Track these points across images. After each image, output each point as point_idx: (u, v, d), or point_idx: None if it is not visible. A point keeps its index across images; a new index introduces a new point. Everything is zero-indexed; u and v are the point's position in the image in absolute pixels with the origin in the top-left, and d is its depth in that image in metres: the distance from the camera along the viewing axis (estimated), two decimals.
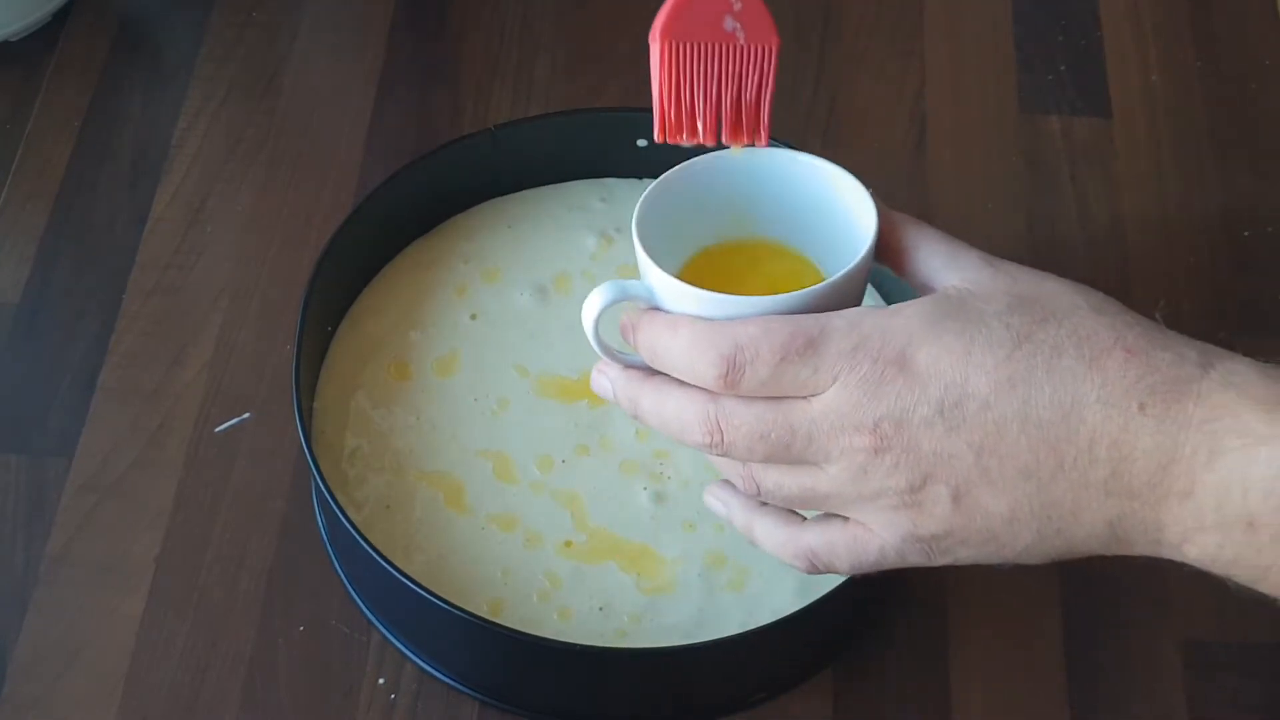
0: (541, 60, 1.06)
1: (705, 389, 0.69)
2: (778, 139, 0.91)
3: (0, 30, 1.03)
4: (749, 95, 0.71)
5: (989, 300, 0.67)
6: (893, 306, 0.68)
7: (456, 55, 1.06)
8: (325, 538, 0.86)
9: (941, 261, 0.70)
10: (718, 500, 0.74)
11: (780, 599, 0.80)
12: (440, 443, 0.85)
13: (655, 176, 0.94)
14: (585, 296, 0.90)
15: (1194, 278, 0.98)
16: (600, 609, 0.81)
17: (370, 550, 0.77)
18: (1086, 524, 0.66)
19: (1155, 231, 0.99)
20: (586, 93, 1.04)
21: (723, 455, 0.70)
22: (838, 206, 0.73)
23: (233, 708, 0.81)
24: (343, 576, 0.85)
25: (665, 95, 0.71)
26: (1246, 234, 0.99)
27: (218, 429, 0.90)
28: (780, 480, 0.69)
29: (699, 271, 0.73)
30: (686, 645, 0.78)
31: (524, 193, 0.94)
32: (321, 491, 0.81)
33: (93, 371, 0.92)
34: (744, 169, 0.74)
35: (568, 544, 0.82)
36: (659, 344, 0.70)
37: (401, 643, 0.83)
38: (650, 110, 0.93)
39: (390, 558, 0.77)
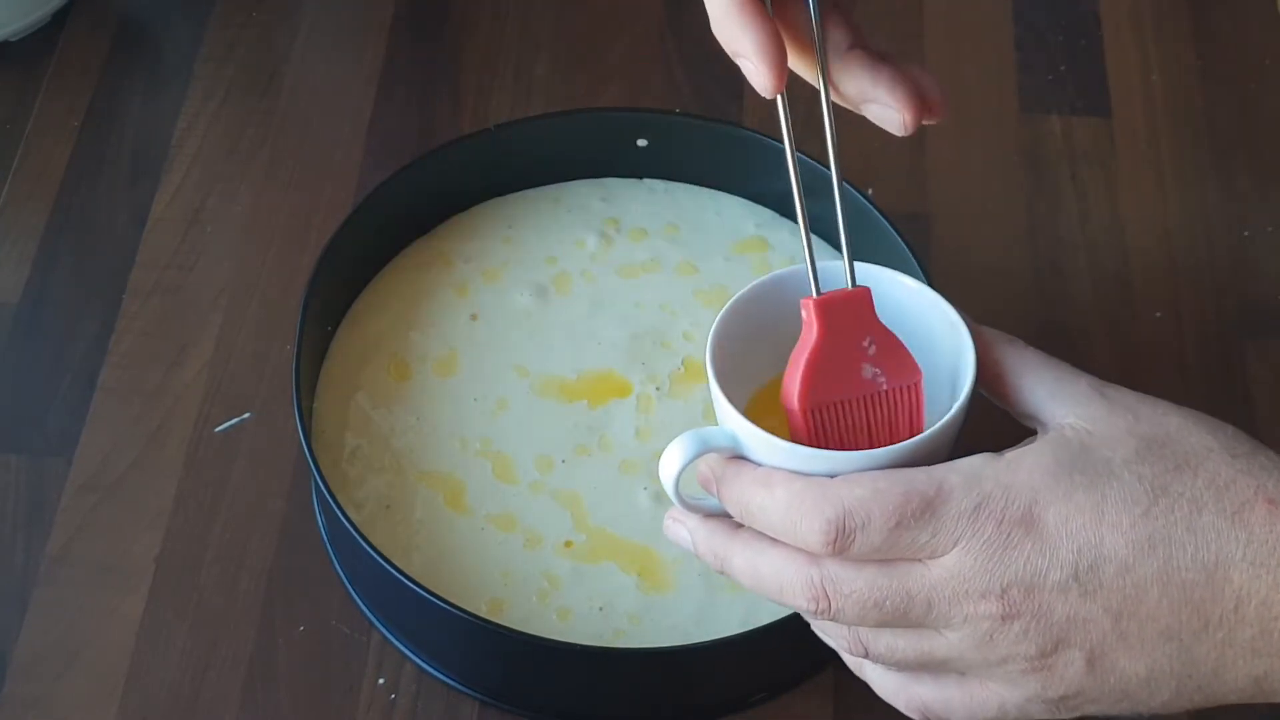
0: (541, 60, 1.06)
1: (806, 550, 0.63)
2: (781, 142, 0.91)
3: (0, 30, 1.03)
4: (899, 435, 0.65)
5: (1114, 445, 0.62)
6: (1009, 456, 0.62)
7: (456, 55, 1.06)
8: (325, 538, 0.86)
9: (1048, 391, 0.64)
10: (823, 635, 0.67)
11: None
12: (440, 443, 0.85)
13: (655, 176, 0.95)
14: (585, 296, 0.91)
15: (1194, 278, 0.98)
16: (600, 609, 0.81)
17: (370, 550, 0.77)
18: (1230, 681, 0.62)
19: (1155, 231, 1.00)
20: (586, 93, 1.04)
21: (829, 621, 0.64)
22: (923, 326, 0.67)
23: (233, 708, 0.81)
24: (343, 576, 0.85)
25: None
26: (1246, 234, 0.99)
27: (218, 429, 0.90)
28: (893, 644, 0.64)
29: (774, 400, 0.67)
30: (686, 645, 0.78)
31: (524, 193, 0.94)
32: (321, 491, 0.81)
33: (93, 371, 0.92)
34: (823, 286, 0.67)
35: (568, 544, 0.83)
36: (751, 503, 0.64)
37: (401, 643, 0.83)
38: (650, 112, 0.93)
39: (390, 558, 0.77)
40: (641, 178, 0.95)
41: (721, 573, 0.66)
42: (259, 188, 1.00)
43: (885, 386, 0.65)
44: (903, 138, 1.04)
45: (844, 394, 0.64)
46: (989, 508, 0.61)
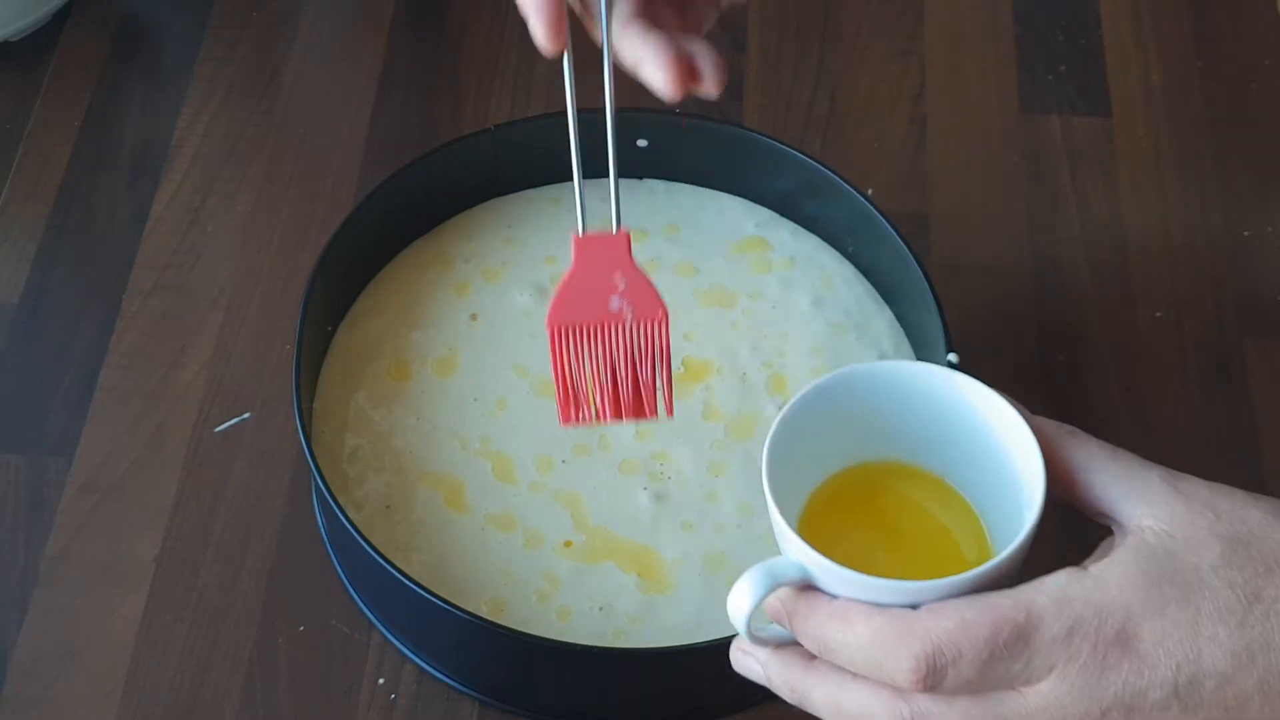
0: (541, 60, 1.06)
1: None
2: (783, 142, 0.91)
3: (0, 30, 1.03)
4: (645, 372, 0.71)
5: (1199, 550, 0.61)
6: (1094, 571, 0.61)
7: (456, 55, 1.06)
8: (325, 538, 0.86)
9: (1120, 489, 0.63)
10: None
11: None
12: (440, 443, 0.85)
13: (655, 177, 0.95)
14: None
15: (1194, 278, 0.98)
16: (600, 609, 0.81)
17: (370, 550, 0.77)
18: None
19: (1155, 231, 0.99)
20: (587, 93, 1.04)
21: None
22: (985, 429, 0.66)
23: (233, 708, 0.81)
24: (343, 576, 0.85)
25: (561, 379, 0.71)
26: (1246, 234, 0.99)
27: (218, 429, 0.90)
28: None
29: (833, 507, 0.67)
30: (686, 645, 0.77)
31: (524, 193, 0.94)
32: (321, 491, 0.81)
33: (93, 371, 0.92)
34: (874, 386, 0.68)
35: (568, 544, 0.82)
36: (830, 638, 0.62)
37: (401, 643, 0.83)
38: (650, 112, 0.93)
39: (390, 558, 0.77)
40: (641, 178, 0.95)
41: (799, 705, 0.65)
42: (259, 188, 1.00)
43: (630, 319, 0.69)
44: (902, 138, 1.04)
45: (591, 318, 0.70)
46: (1082, 630, 0.60)
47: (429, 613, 0.77)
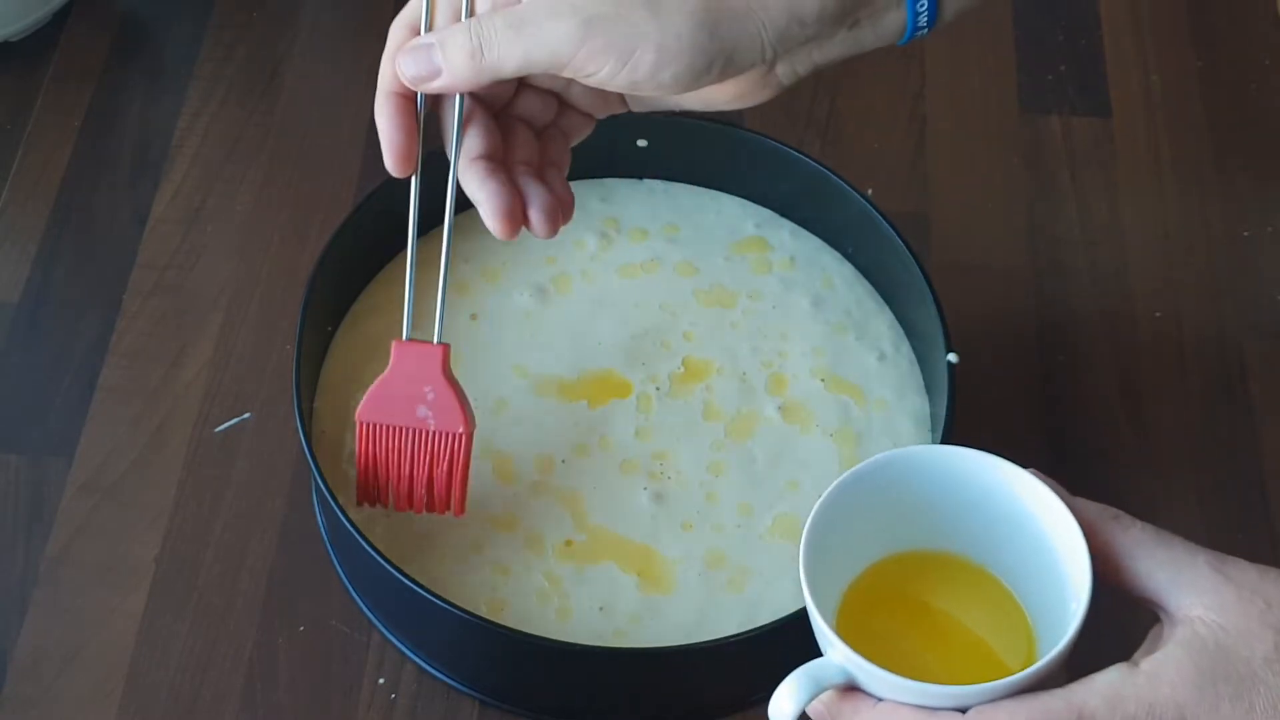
0: None
1: None
2: (783, 142, 0.91)
3: (0, 30, 1.03)
4: (440, 476, 0.78)
5: (1251, 642, 0.60)
6: (1146, 668, 0.61)
7: None
8: (325, 538, 0.86)
9: (1167, 576, 0.62)
10: None
11: (780, 599, 0.80)
12: None
13: (655, 177, 0.95)
14: (585, 296, 0.91)
15: (1194, 277, 0.98)
16: (600, 609, 0.81)
17: (370, 550, 0.77)
18: None
19: (1155, 231, 1.00)
20: None
21: None
22: (1017, 508, 0.66)
23: (233, 707, 0.81)
24: (343, 576, 0.85)
25: (362, 468, 0.78)
26: (1246, 234, 0.99)
27: (218, 429, 0.90)
28: None
29: (871, 600, 0.67)
30: (686, 645, 0.77)
31: None
32: (322, 491, 0.81)
33: (93, 371, 0.92)
34: (910, 472, 0.67)
35: (568, 544, 0.82)
36: None
37: (401, 643, 0.83)
38: (650, 112, 0.93)
39: (390, 558, 0.77)
40: (641, 178, 0.95)
41: None
42: (259, 188, 1.00)
43: (433, 427, 0.76)
44: (902, 138, 1.05)
45: (396, 420, 0.77)
46: None
47: (429, 613, 0.77)
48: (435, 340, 0.77)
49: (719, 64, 0.67)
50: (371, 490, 0.79)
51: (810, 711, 0.64)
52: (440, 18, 0.71)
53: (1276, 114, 1.05)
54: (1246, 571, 0.62)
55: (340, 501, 0.80)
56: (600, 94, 0.74)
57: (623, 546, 0.82)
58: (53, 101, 1.03)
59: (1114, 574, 0.63)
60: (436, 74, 0.70)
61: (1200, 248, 0.99)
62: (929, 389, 0.87)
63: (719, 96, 0.71)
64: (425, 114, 0.73)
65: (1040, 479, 0.65)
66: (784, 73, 0.71)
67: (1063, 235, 0.99)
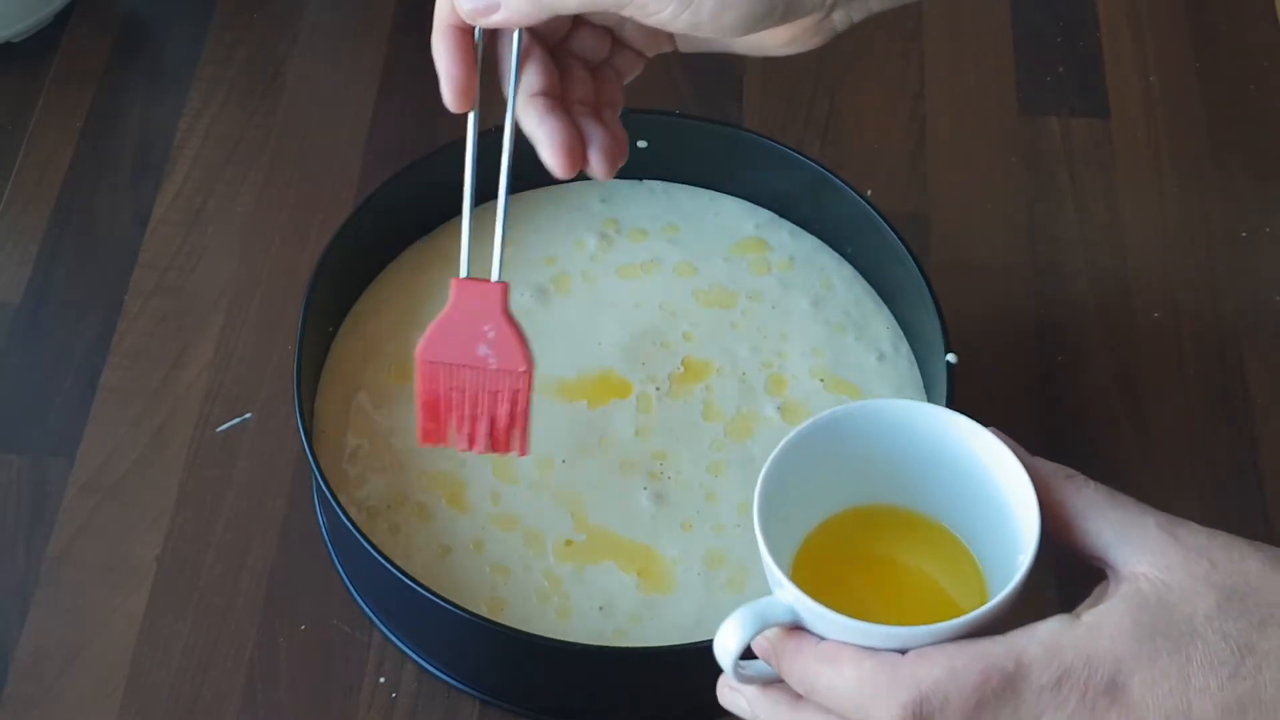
0: None
1: None
2: (783, 142, 0.91)
3: (1, 31, 1.03)
4: (502, 415, 0.75)
5: (1193, 599, 0.60)
6: (1086, 619, 0.61)
7: None
8: (326, 538, 0.86)
9: (1116, 535, 0.62)
10: None
11: None
12: None
13: (655, 177, 0.95)
14: (585, 296, 0.91)
15: (1193, 278, 0.98)
16: (600, 609, 0.81)
17: (371, 550, 0.77)
18: None
19: (1155, 231, 1.00)
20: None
21: None
22: (981, 471, 0.66)
23: (233, 708, 0.81)
24: (343, 576, 0.85)
25: (425, 409, 0.75)
26: (1246, 234, 1.00)
27: (219, 429, 0.90)
28: None
29: (822, 552, 0.67)
30: (686, 645, 0.78)
31: (524, 193, 0.94)
32: (322, 491, 0.81)
33: (94, 372, 0.92)
34: (868, 426, 0.67)
35: (568, 544, 0.83)
36: (818, 681, 0.62)
37: (401, 642, 0.83)
38: (650, 112, 0.93)
39: (390, 557, 0.78)
40: (641, 178, 0.95)
41: None
42: (260, 188, 1.00)
43: (494, 366, 0.73)
44: (902, 138, 1.05)
45: (457, 358, 0.74)
46: (1071, 680, 0.59)
47: (429, 612, 0.77)
48: (495, 279, 0.74)
49: (780, 8, 0.66)
50: (433, 430, 0.76)
51: (755, 648, 0.64)
52: None
53: (1276, 114, 1.05)
54: (1195, 534, 0.62)
55: (340, 501, 0.80)
56: (653, 32, 0.72)
57: (623, 546, 0.83)
58: (54, 102, 1.03)
59: (1065, 531, 0.63)
60: (495, 7, 0.68)
61: (1200, 247, 0.99)
62: (928, 389, 0.87)
63: (772, 42, 0.70)
64: (482, 49, 0.71)
65: (998, 435, 0.65)
66: (840, 19, 0.70)
67: (1062, 235, 0.99)
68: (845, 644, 0.62)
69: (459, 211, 0.93)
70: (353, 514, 0.80)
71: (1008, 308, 0.96)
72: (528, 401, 0.75)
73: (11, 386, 0.92)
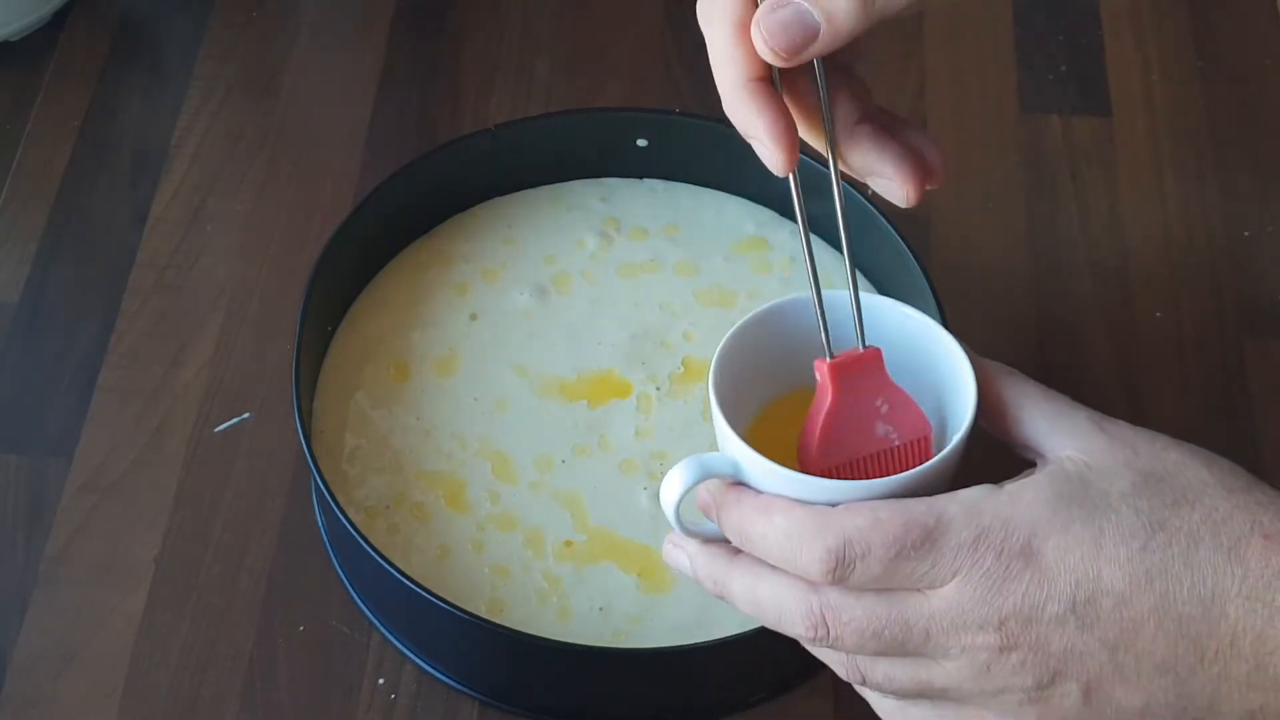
0: (541, 60, 1.06)
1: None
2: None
3: (0, 30, 1.03)
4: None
5: (1112, 479, 0.62)
6: (1009, 488, 0.63)
7: (456, 55, 1.06)
8: (325, 538, 0.86)
9: (1048, 424, 0.65)
10: (822, 658, 0.66)
11: None
12: (440, 443, 0.85)
13: (655, 176, 0.95)
14: (585, 296, 0.91)
15: (1194, 277, 0.98)
16: (600, 609, 0.81)
17: (370, 550, 0.77)
18: (1225, 715, 0.62)
19: (1155, 231, 1.00)
20: (586, 93, 1.04)
21: (827, 648, 0.64)
22: (924, 357, 0.67)
23: (233, 708, 0.81)
24: (343, 576, 0.85)
25: None
26: (1246, 234, 0.99)
27: (218, 429, 0.90)
28: (890, 673, 0.64)
29: (775, 424, 0.68)
30: (686, 645, 0.77)
31: (524, 193, 0.94)
32: (321, 491, 0.81)
33: (92, 371, 0.92)
34: (829, 315, 0.67)
35: (568, 544, 0.82)
36: (752, 530, 0.64)
37: (401, 643, 0.83)
38: (650, 112, 0.93)
39: (390, 558, 0.77)
40: (641, 178, 0.95)
41: (720, 598, 0.66)
42: (259, 187, 1.00)
43: (897, 442, 0.66)
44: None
45: (858, 451, 0.66)
46: (988, 540, 0.61)
47: (429, 613, 0.77)
48: (861, 346, 0.66)
49: None
50: None
51: (698, 501, 0.66)
52: None
53: (1276, 114, 1.05)
54: (1123, 428, 0.64)
55: (339, 501, 0.80)
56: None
57: (623, 546, 0.82)
58: (52, 101, 1.03)
59: (1000, 420, 0.65)
60: (814, 35, 0.63)
61: (1200, 248, 0.99)
62: None
63: None
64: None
65: (945, 330, 0.67)
66: None
67: (1063, 235, 0.99)
68: (780, 496, 0.64)
69: (458, 210, 0.94)
70: (351, 514, 0.80)
71: (1008, 307, 0.96)
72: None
73: (9, 386, 0.92)
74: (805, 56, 0.63)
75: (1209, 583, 0.61)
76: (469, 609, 0.77)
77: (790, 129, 0.64)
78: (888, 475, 0.65)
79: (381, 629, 0.83)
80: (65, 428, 0.90)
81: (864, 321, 0.67)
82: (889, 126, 0.68)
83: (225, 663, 0.82)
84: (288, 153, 1.01)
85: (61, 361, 0.92)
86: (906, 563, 0.61)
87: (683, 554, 0.68)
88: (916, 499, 0.62)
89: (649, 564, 0.82)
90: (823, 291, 0.67)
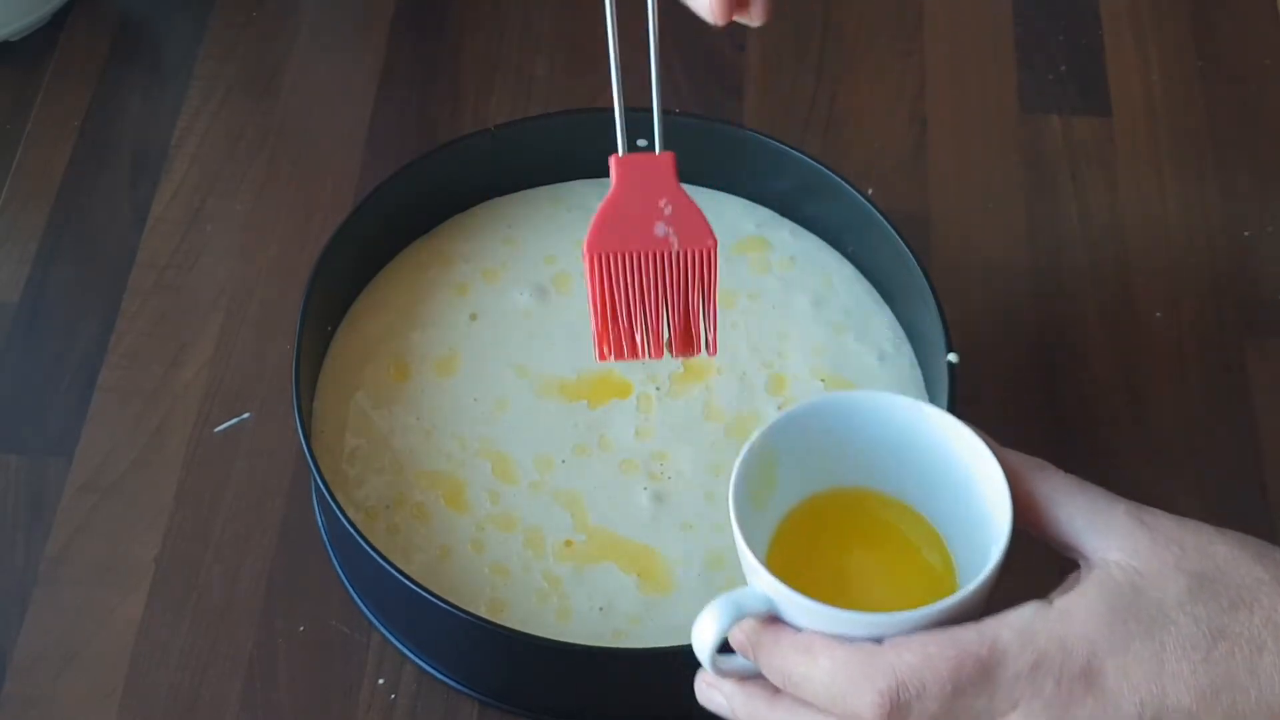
0: (541, 60, 1.06)
1: None
2: (783, 142, 0.91)
3: (0, 30, 1.03)
4: (693, 303, 0.67)
5: (1164, 585, 0.61)
6: (1059, 604, 0.61)
7: (456, 55, 1.06)
8: (325, 538, 0.86)
9: (1086, 522, 0.63)
10: None
11: None
12: (440, 443, 0.85)
13: None
14: (585, 296, 0.90)
15: (1194, 278, 0.98)
16: (600, 609, 0.81)
17: (370, 550, 0.77)
18: None
19: (1155, 231, 1.00)
20: (586, 93, 1.04)
21: None
22: (952, 459, 0.66)
23: (233, 708, 0.81)
24: (343, 576, 0.85)
25: (600, 311, 0.67)
26: (1246, 234, 0.99)
27: (217, 429, 0.90)
28: None
29: (800, 539, 0.67)
30: (686, 645, 0.77)
31: (524, 193, 0.94)
32: (321, 491, 0.81)
33: (92, 371, 0.92)
34: (844, 416, 0.67)
35: (568, 544, 0.82)
36: (794, 672, 0.62)
37: (401, 643, 0.83)
38: (650, 111, 0.93)
39: (390, 558, 0.77)
40: None
41: None
42: (259, 187, 1.00)
43: (677, 246, 0.65)
44: (902, 138, 1.04)
45: (635, 246, 0.65)
46: (1046, 665, 0.59)
47: (429, 613, 0.77)
48: (658, 150, 0.67)
49: None
50: (616, 337, 0.68)
51: (732, 640, 0.64)
52: None
53: (1276, 114, 1.05)
54: (1163, 520, 0.63)
55: (339, 501, 0.80)
56: None
57: (623, 546, 0.82)
58: (52, 101, 1.03)
59: (1036, 520, 0.64)
60: None
61: (1200, 248, 0.99)
62: (929, 389, 0.87)
63: None
64: None
65: (968, 427, 0.65)
66: None
67: (1063, 235, 0.99)
68: (821, 633, 0.62)
69: (458, 210, 0.94)
70: (351, 514, 0.80)
71: (1008, 307, 0.96)
72: (715, 285, 0.67)
73: (9, 386, 0.92)
74: None
75: (1276, 690, 0.59)
76: (469, 609, 0.77)
77: None
78: (670, 285, 0.64)
79: (381, 629, 0.83)
80: (65, 428, 0.90)
81: (901, 424, 0.66)
82: None
83: (225, 663, 0.82)
84: (288, 153, 1.01)
85: (61, 361, 0.92)
86: (964, 698, 0.59)
87: (718, 694, 0.65)
88: (964, 626, 0.60)
89: (649, 564, 0.82)
90: (853, 394, 0.67)
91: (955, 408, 0.81)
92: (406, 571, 0.77)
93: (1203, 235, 0.99)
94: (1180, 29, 1.08)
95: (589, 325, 0.89)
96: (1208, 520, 0.89)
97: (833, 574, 0.67)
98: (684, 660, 0.77)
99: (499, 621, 0.78)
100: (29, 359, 0.92)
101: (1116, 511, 0.63)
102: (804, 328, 0.89)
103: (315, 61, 1.06)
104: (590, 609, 0.81)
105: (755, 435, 0.66)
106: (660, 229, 0.65)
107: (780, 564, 0.64)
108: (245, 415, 0.90)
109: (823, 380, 0.87)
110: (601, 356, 0.69)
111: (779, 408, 0.86)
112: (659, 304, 0.67)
